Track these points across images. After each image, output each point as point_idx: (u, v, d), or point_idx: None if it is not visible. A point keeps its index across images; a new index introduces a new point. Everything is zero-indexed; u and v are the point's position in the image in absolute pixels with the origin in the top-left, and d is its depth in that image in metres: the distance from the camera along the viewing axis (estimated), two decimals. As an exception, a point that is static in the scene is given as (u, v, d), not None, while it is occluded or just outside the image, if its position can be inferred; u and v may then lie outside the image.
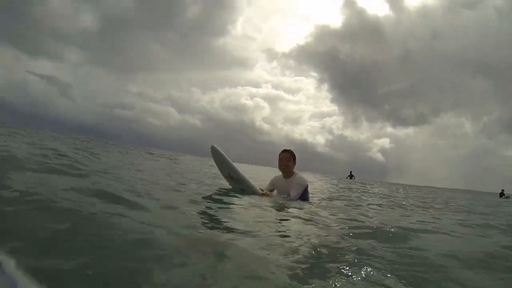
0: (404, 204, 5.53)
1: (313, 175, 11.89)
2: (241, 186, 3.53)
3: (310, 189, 3.89)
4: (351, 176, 21.10)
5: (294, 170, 3.68)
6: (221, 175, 3.82)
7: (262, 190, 3.57)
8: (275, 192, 3.71)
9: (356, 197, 6.11)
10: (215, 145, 3.49)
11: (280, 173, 3.76)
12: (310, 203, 3.58)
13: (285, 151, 3.70)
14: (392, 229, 2.27)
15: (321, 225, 2.29)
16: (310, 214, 2.67)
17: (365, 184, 10.94)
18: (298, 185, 3.53)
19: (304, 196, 3.57)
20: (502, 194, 18.22)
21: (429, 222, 3.21)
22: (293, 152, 3.68)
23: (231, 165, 3.48)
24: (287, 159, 3.61)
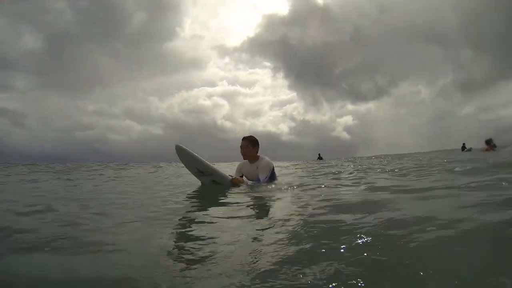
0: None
1: (281, 163, 11.97)
2: (211, 178, 3.64)
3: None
4: (320, 158, 21.72)
5: (259, 154, 3.87)
6: (190, 173, 3.86)
7: (231, 176, 3.69)
8: (244, 178, 3.83)
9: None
10: (179, 144, 3.52)
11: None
12: (277, 183, 3.77)
13: (244, 138, 3.87)
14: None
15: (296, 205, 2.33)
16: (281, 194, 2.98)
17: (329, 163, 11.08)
18: (264, 168, 3.72)
19: (272, 177, 3.81)
20: (463, 148, 19.61)
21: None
22: (253, 138, 3.85)
23: (198, 159, 3.52)
24: (246, 146, 3.81)
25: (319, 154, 22.01)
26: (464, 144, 19.76)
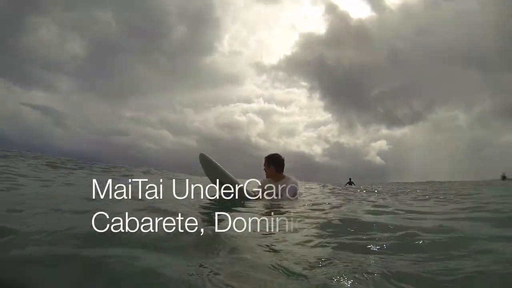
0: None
1: (309, 184, 11.74)
2: (232, 191, 3.48)
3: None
4: (350, 183, 20.90)
5: (285, 174, 3.82)
6: (212, 183, 3.77)
7: (254, 192, 3.62)
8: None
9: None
10: (204, 153, 3.52)
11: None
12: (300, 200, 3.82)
13: (265, 157, 3.85)
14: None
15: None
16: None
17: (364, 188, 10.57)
18: (290, 187, 3.67)
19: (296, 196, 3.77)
20: (504, 177, 18.71)
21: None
22: (268, 157, 3.82)
23: (222, 171, 3.47)
24: (263, 165, 3.82)
25: (349, 179, 21.06)
26: (504, 173, 19.03)
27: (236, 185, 3.47)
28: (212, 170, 3.55)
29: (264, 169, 3.83)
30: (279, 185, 3.66)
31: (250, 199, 3.47)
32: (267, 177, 3.84)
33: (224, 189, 3.50)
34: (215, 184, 3.65)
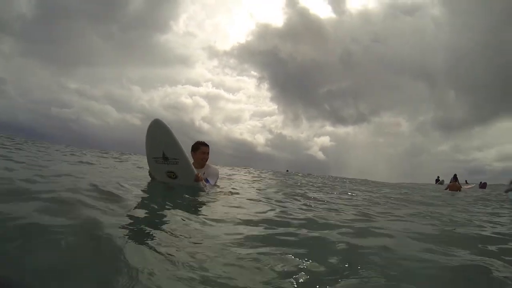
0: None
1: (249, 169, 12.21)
2: (173, 168, 3.39)
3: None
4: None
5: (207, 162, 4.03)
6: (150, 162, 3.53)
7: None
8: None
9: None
10: (159, 118, 3.25)
11: None
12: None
13: (206, 144, 3.96)
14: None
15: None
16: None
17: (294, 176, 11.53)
18: (215, 175, 4.00)
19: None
20: (437, 180, 20.26)
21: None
22: (195, 143, 3.97)
23: (175, 140, 3.27)
24: (208, 153, 3.94)
25: (287, 170, 22.09)
26: (438, 177, 20.83)
27: (183, 159, 3.33)
28: (161, 138, 3.28)
29: (206, 158, 3.91)
30: (204, 172, 3.79)
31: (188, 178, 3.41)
32: (203, 164, 3.91)
33: (161, 164, 3.38)
34: (152, 158, 3.43)
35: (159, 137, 3.30)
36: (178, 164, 3.37)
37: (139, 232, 1.58)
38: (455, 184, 11.60)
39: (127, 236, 1.42)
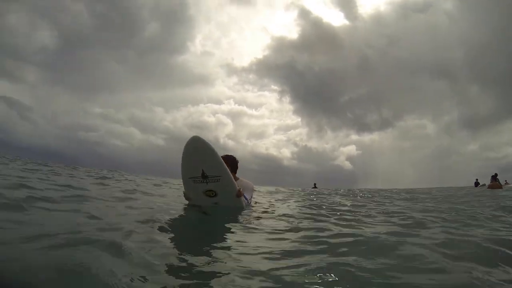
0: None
1: (277, 187, 11.62)
2: (212, 186, 3.24)
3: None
4: (315, 187, 21.36)
5: (237, 176, 3.78)
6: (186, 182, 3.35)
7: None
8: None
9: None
10: (198, 135, 3.12)
11: None
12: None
13: (226, 156, 3.68)
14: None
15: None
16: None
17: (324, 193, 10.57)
18: (250, 190, 3.82)
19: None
20: (477, 183, 18.64)
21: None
22: (232, 158, 3.73)
23: (215, 155, 3.14)
24: (228, 164, 3.61)
25: (314, 184, 21.32)
26: (477, 179, 19.11)
27: (225, 174, 3.19)
28: (202, 156, 3.13)
29: None
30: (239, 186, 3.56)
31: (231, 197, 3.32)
32: None
33: (200, 184, 3.22)
34: (190, 177, 3.27)
35: (199, 155, 3.14)
36: (219, 182, 3.23)
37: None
38: (495, 183, 10.94)
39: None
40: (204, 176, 3.21)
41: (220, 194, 3.29)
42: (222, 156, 3.43)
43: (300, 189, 12.83)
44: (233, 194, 3.31)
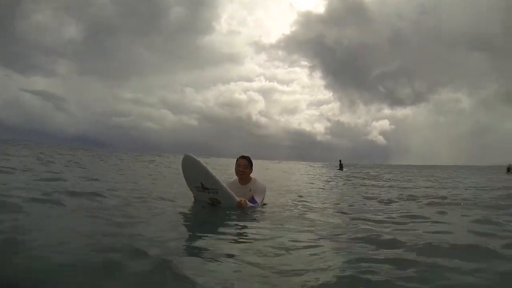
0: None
1: (308, 163, 11.39)
2: (214, 196, 3.41)
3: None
4: (340, 166, 20.43)
5: (251, 175, 3.78)
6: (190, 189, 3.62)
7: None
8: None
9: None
10: (190, 154, 3.36)
11: (235, 177, 3.83)
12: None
13: (243, 157, 3.74)
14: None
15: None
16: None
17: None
18: (261, 191, 3.70)
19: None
20: (509, 169, 16.85)
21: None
22: (250, 159, 3.76)
23: (209, 173, 3.32)
24: (245, 166, 3.70)
25: (340, 161, 20.78)
26: (510, 164, 17.15)
27: (221, 189, 3.34)
28: (196, 172, 3.38)
29: (243, 171, 3.70)
30: (250, 189, 3.65)
31: (231, 205, 3.37)
32: (243, 178, 3.74)
33: (202, 192, 3.44)
34: (193, 187, 3.53)
35: (194, 172, 3.38)
36: (218, 193, 3.37)
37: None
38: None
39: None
40: (204, 188, 3.41)
41: (223, 203, 3.43)
42: (241, 158, 3.70)
43: (324, 171, 12.47)
44: (234, 206, 3.35)
